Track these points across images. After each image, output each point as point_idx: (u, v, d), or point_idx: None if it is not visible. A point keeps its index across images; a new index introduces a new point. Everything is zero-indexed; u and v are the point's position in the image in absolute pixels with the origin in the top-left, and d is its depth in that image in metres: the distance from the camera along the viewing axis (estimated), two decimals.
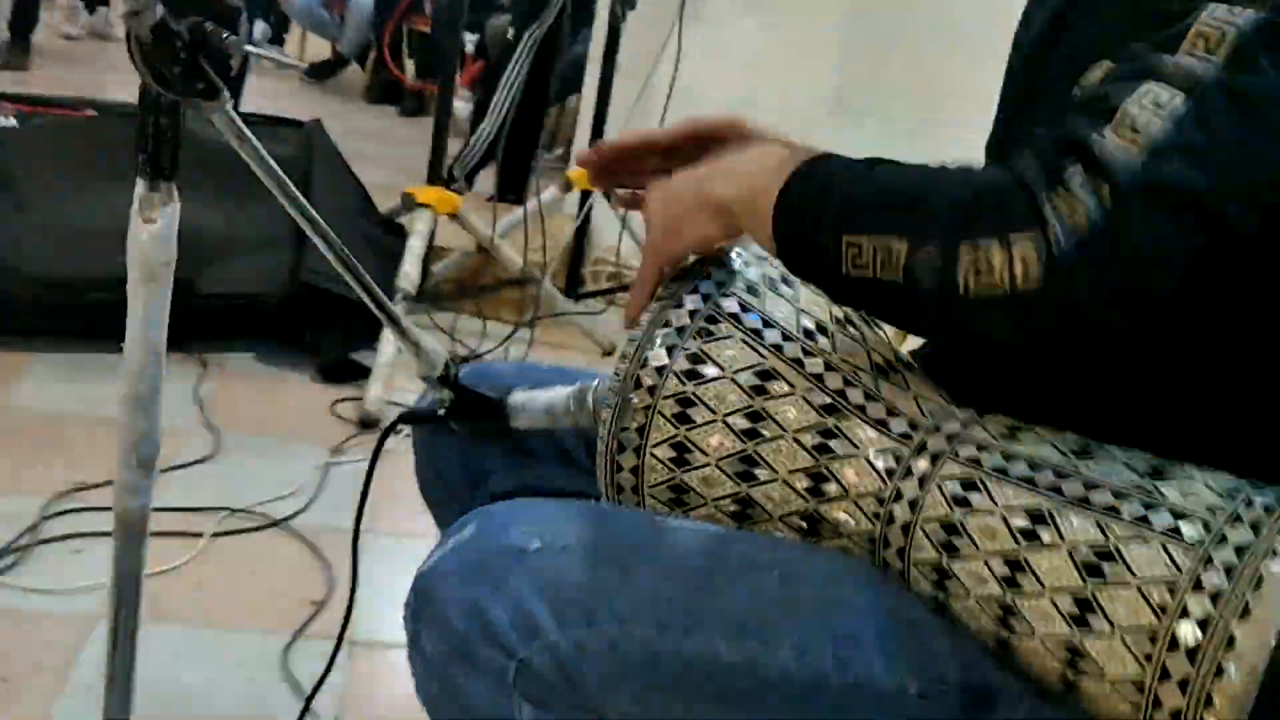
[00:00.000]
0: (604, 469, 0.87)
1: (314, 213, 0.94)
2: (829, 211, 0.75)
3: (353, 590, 1.10)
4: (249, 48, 0.83)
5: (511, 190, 3.74)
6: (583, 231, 3.21)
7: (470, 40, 5.76)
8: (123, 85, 2.93)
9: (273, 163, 0.90)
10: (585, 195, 3.14)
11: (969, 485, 0.77)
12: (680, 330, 0.85)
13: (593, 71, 3.19)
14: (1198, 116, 0.65)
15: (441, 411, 0.98)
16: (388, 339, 2.42)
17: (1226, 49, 0.67)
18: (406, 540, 1.86)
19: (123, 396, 0.97)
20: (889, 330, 0.90)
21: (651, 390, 0.84)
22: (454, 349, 2.74)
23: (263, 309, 2.53)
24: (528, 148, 4.24)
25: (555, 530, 0.82)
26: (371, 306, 1.00)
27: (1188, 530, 0.70)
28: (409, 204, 2.65)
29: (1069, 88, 0.80)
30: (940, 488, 0.78)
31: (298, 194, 0.93)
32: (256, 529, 1.91)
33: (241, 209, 2.47)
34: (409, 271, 2.52)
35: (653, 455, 0.85)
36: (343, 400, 2.43)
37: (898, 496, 0.80)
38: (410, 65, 6.23)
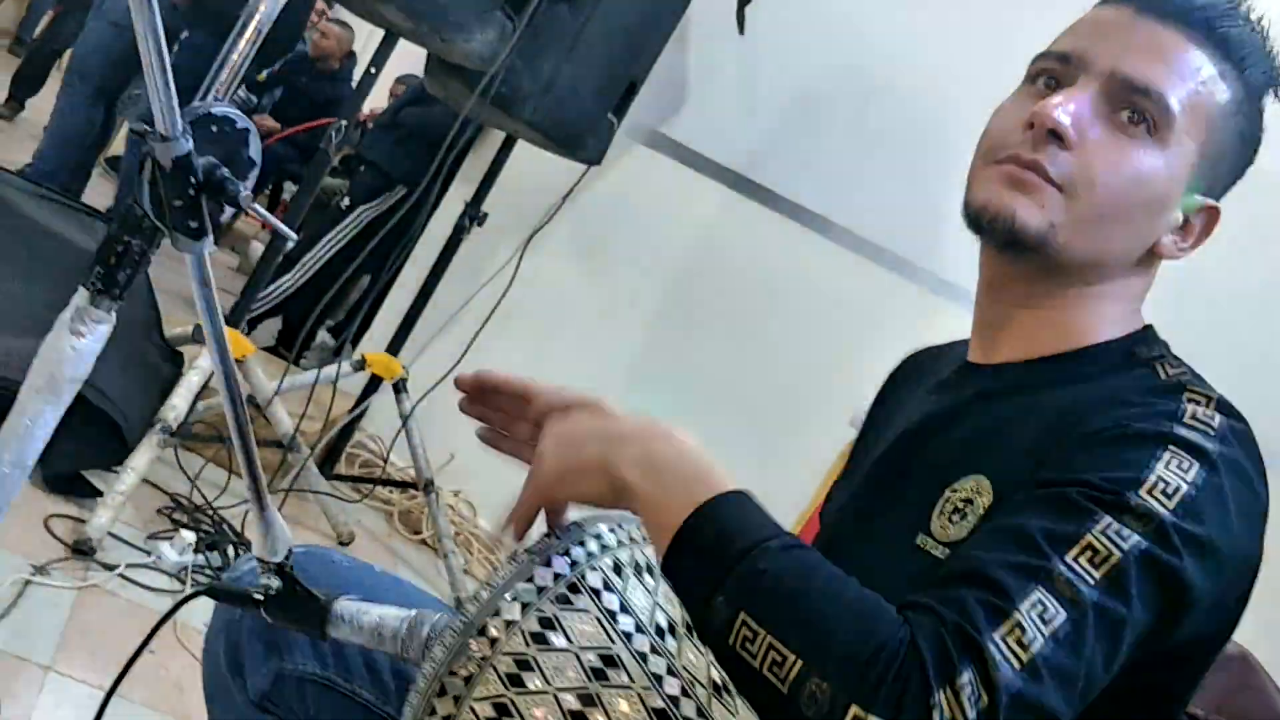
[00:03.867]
0: (417, 709, 0.82)
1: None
2: (735, 579, 0.75)
3: None
4: (253, 206, 0.79)
5: (290, 347, 3.64)
6: (358, 416, 3.13)
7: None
8: None
9: (218, 305, 0.85)
10: (374, 380, 3.07)
11: None
12: (540, 590, 0.82)
13: (421, 265, 3.19)
14: (1074, 638, 0.73)
15: (260, 596, 0.91)
16: (132, 467, 2.25)
17: (1108, 569, 0.75)
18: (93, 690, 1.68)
19: None
20: None
21: (494, 642, 0.80)
22: (190, 495, 2.57)
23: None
24: (321, 313, 4.16)
25: None
26: (246, 476, 0.93)
27: None
28: (198, 336, 2.52)
29: (933, 483, 0.90)
30: None
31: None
32: None
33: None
34: (177, 405, 2.38)
35: (472, 709, 0.80)
36: (60, 516, 2.22)
37: None
38: None
